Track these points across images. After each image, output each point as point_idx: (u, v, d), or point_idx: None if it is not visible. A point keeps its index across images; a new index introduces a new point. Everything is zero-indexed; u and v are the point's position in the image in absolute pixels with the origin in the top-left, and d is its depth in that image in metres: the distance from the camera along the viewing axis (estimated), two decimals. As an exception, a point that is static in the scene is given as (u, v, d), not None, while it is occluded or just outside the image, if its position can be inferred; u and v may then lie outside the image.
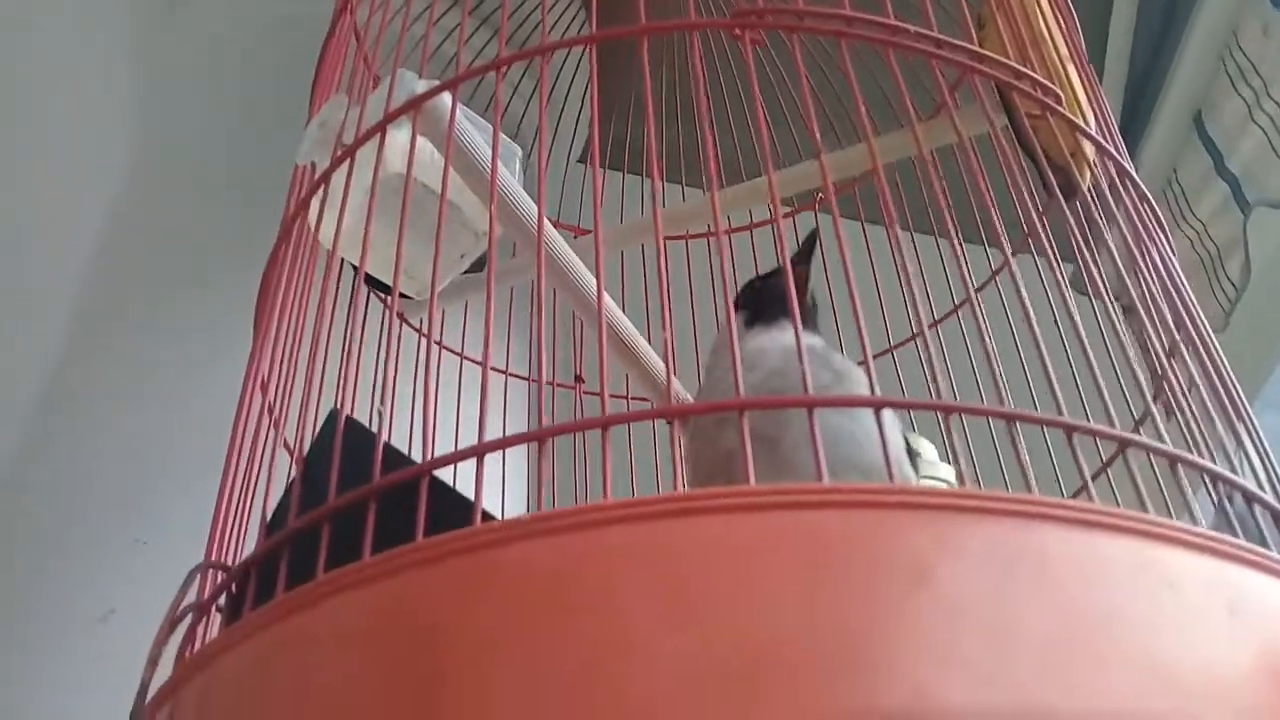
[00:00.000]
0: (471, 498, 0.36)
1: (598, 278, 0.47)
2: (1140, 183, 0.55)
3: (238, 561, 0.42)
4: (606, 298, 0.65)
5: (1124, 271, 0.47)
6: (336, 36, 0.66)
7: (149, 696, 0.40)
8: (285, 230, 0.56)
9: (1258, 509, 0.39)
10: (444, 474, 0.40)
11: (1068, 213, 0.54)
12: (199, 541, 0.48)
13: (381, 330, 0.63)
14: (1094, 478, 0.61)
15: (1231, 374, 0.48)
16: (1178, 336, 0.48)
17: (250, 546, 0.43)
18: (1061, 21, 0.65)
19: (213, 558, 0.46)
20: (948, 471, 0.72)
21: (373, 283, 0.72)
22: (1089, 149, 0.61)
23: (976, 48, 0.50)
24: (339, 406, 0.42)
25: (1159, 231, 0.54)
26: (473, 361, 0.86)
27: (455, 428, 0.73)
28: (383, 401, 0.40)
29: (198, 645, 0.42)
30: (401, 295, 0.71)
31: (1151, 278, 0.48)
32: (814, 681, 0.29)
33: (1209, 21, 1.38)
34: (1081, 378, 0.47)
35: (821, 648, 0.30)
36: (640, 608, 0.31)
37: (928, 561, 0.31)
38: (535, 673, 0.30)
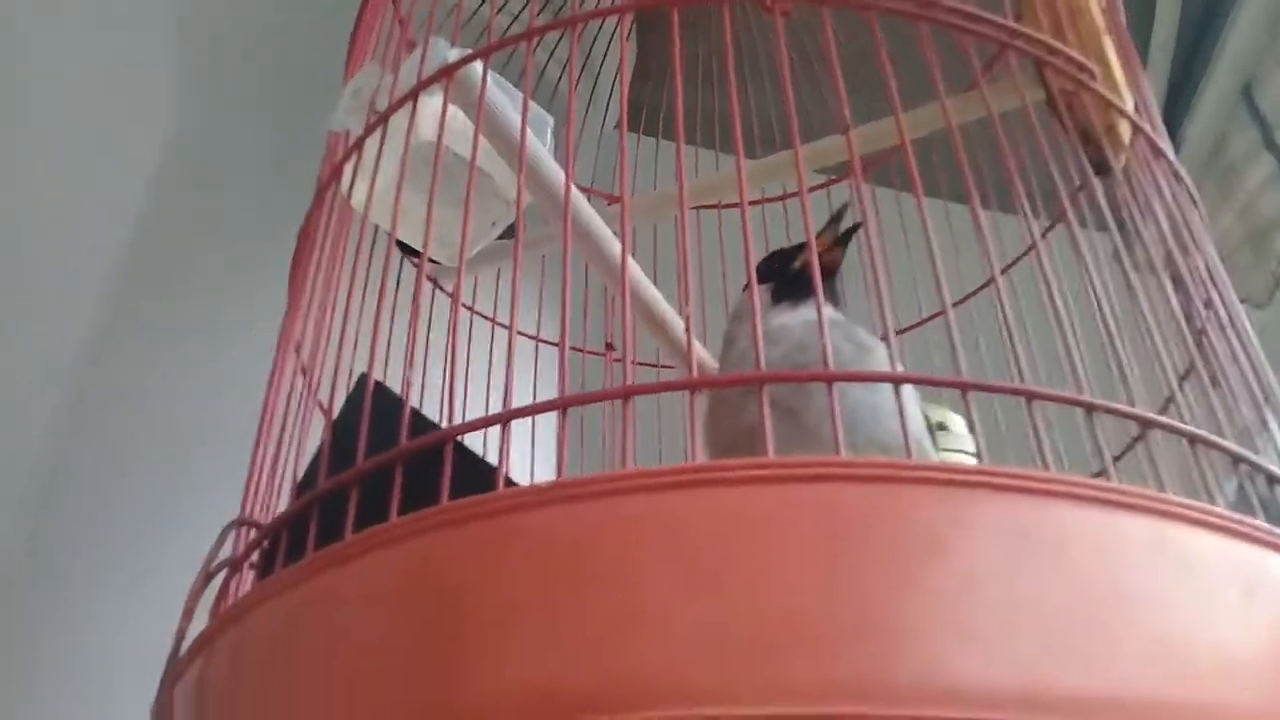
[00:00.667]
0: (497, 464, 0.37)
1: (623, 245, 0.48)
2: (1174, 161, 0.54)
3: (270, 519, 0.43)
4: (635, 267, 0.65)
5: (1174, 251, 0.47)
6: (372, 1, 0.67)
7: (184, 646, 0.41)
8: (319, 196, 0.56)
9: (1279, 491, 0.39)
10: (475, 440, 0.41)
11: (1100, 190, 0.54)
12: (234, 503, 0.49)
13: (412, 295, 0.64)
14: (1117, 459, 0.62)
15: (1260, 354, 0.48)
16: (1208, 316, 0.48)
17: (283, 505, 0.45)
18: (1101, -8, 0.65)
19: (246, 514, 0.47)
20: (975, 445, 0.72)
21: (405, 248, 0.73)
22: (1125, 126, 0.60)
23: (1010, 23, 0.49)
24: (369, 371, 0.43)
25: (1193, 210, 0.53)
26: (502, 326, 0.87)
27: (486, 393, 0.74)
28: (410, 367, 0.41)
29: (231, 599, 0.43)
30: (432, 261, 0.72)
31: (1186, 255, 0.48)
32: (829, 652, 0.30)
33: (1260, -8, 1.35)
34: (1110, 354, 0.47)
35: (837, 619, 0.30)
36: (657, 577, 0.31)
37: (943, 536, 0.31)
38: (553, 637, 0.31)
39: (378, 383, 0.43)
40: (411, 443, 0.38)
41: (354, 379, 0.47)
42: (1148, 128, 0.53)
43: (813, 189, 0.95)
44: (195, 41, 1.05)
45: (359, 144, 0.53)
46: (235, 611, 0.39)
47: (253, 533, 0.44)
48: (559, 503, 0.33)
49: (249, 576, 0.44)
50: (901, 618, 0.30)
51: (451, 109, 0.55)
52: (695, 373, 0.36)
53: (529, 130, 0.59)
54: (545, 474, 0.74)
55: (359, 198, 0.52)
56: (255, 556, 0.43)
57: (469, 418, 0.40)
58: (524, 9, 0.87)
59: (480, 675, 0.31)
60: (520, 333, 0.89)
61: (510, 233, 0.77)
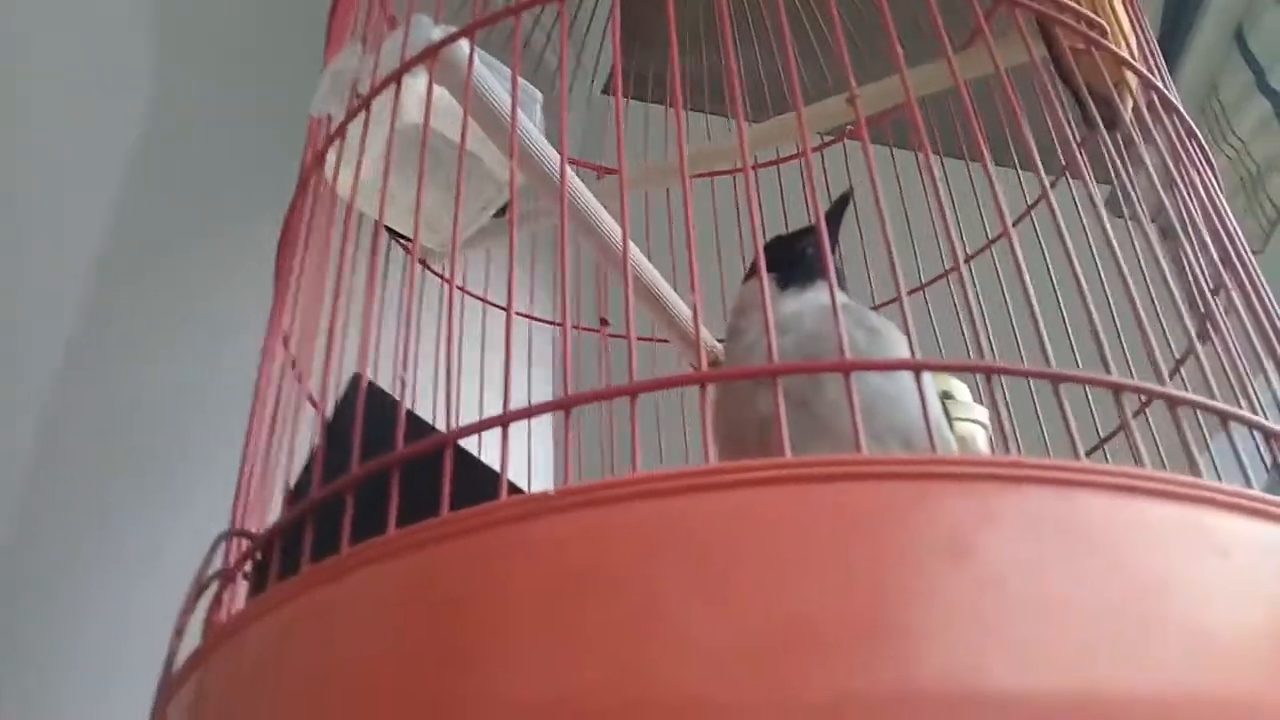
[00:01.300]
0: (496, 465, 0.36)
1: (623, 223, 0.46)
2: (1187, 117, 0.52)
3: (262, 529, 0.42)
4: (632, 246, 0.63)
5: (1165, 201, 0.45)
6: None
7: (177, 661, 0.40)
8: (303, 183, 0.54)
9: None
10: (469, 438, 0.40)
11: (1108, 144, 0.52)
12: (228, 499, 0.47)
13: (402, 283, 0.62)
14: (1109, 437, 0.60)
15: (1281, 315, 0.46)
16: (1225, 276, 0.46)
17: (276, 511, 0.43)
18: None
19: (238, 523, 0.46)
20: (982, 413, 0.71)
21: (395, 233, 0.71)
22: (1133, 78, 0.58)
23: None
24: (361, 371, 0.41)
25: (1205, 166, 0.52)
26: (496, 307, 0.85)
27: (480, 379, 0.72)
28: (404, 367, 0.39)
29: (224, 611, 0.42)
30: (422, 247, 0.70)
31: (1196, 211, 0.46)
32: (850, 660, 0.28)
33: (1252, -66, 1.33)
34: (1121, 314, 0.45)
35: (857, 625, 0.29)
36: (669, 584, 0.30)
37: (968, 534, 0.30)
38: (562, 650, 0.29)
39: (371, 384, 0.41)
40: (408, 448, 0.37)
41: (345, 374, 0.46)
42: (1158, 81, 0.51)
43: (783, 160, 0.93)
44: (172, 23, 1.03)
45: (341, 130, 0.51)
46: (228, 629, 0.37)
47: (244, 543, 0.42)
48: (566, 510, 0.32)
49: (243, 588, 0.42)
50: (928, 622, 0.29)
51: (437, 90, 0.53)
52: (705, 365, 0.35)
53: (520, 110, 0.57)
54: (543, 471, 0.73)
55: (344, 185, 0.50)
56: (249, 567, 0.42)
57: (464, 407, 0.38)
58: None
59: (485, 693, 0.29)
60: (516, 313, 0.87)
61: (500, 212, 0.75)
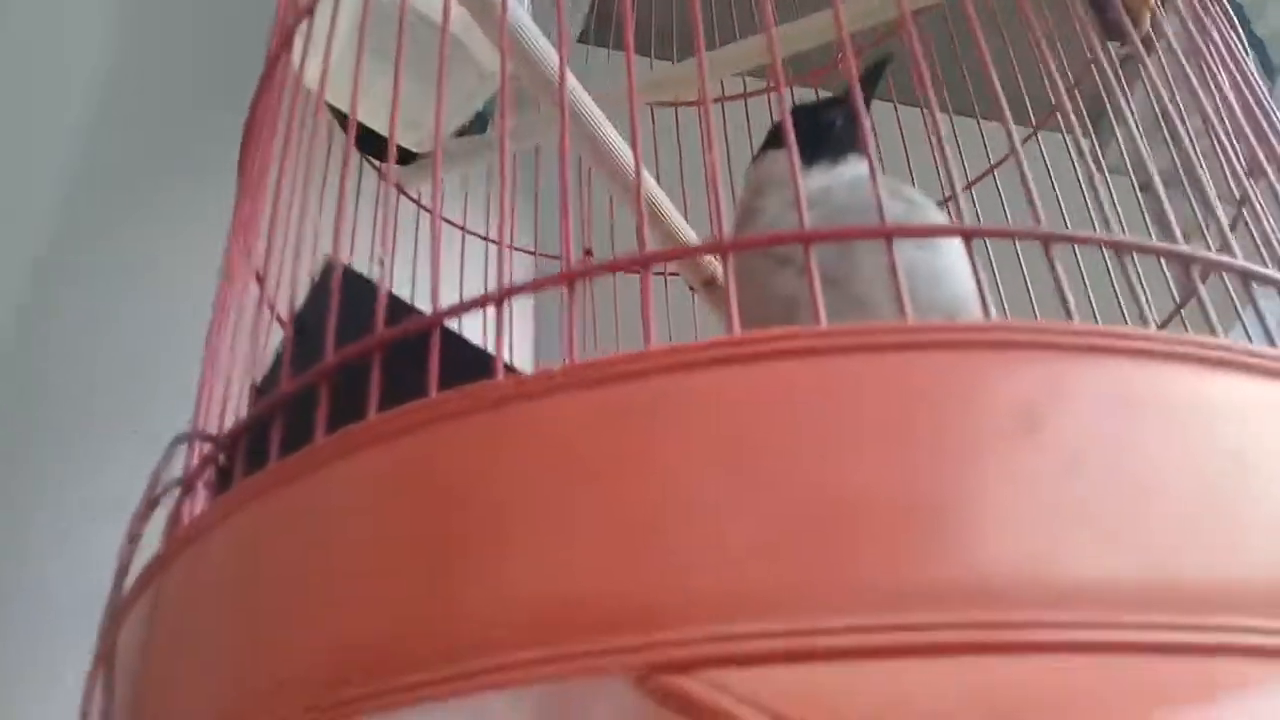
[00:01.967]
0: (489, 352, 0.32)
1: (633, 128, 0.42)
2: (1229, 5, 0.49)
3: (226, 430, 0.37)
4: (625, 151, 0.59)
5: (1198, 95, 0.41)
6: None
7: (129, 580, 0.35)
8: (267, 72, 0.50)
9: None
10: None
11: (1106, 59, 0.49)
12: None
13: (377, 189, 0.58)
14: (1168, 319, 0.57)
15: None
16: (1260, 152, 0.42)
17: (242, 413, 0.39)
18: None
19: (199, 425, 0.41)
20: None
21: (366, 145, 0.66)
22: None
23: None
24: (333, 256, 0.37)
25: (1236, 42, 0.48)
26: (475, 235, 0.80)
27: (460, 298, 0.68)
28: (382, 245, 0.35)
29: (185, 523, 0.37)
30: (401, 150, 0.65)
31: (1226, 87, 0.42)
32: (907, 547, 0.25)
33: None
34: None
35: (916, 507, 0.25)
36: (694, 466, 0.26)
37: (1039, 408, 0.26)
38: (570, 542, 0.25)
39: (346, 267, 0.37)
40: (391, 330, 0.32)
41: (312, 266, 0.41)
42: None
43: (751, 94, 0.89)
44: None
45: (309, 8, 0.47)
46: (189, 533, 0.33)
47: (207, 447, 0.38)
48: (574, 389, 0.28)
49: (205, 497, 0.38)
50: (998, 505, 0.25)
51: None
52: (725, 234, 0.31)
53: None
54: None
55: (312, 73, 0.45)
56: (210, 474, 0.37)
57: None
58: None
59: (483, 590, 0.26)
60: (491, 240, 0.83)
61: (479, 125, 0.70)
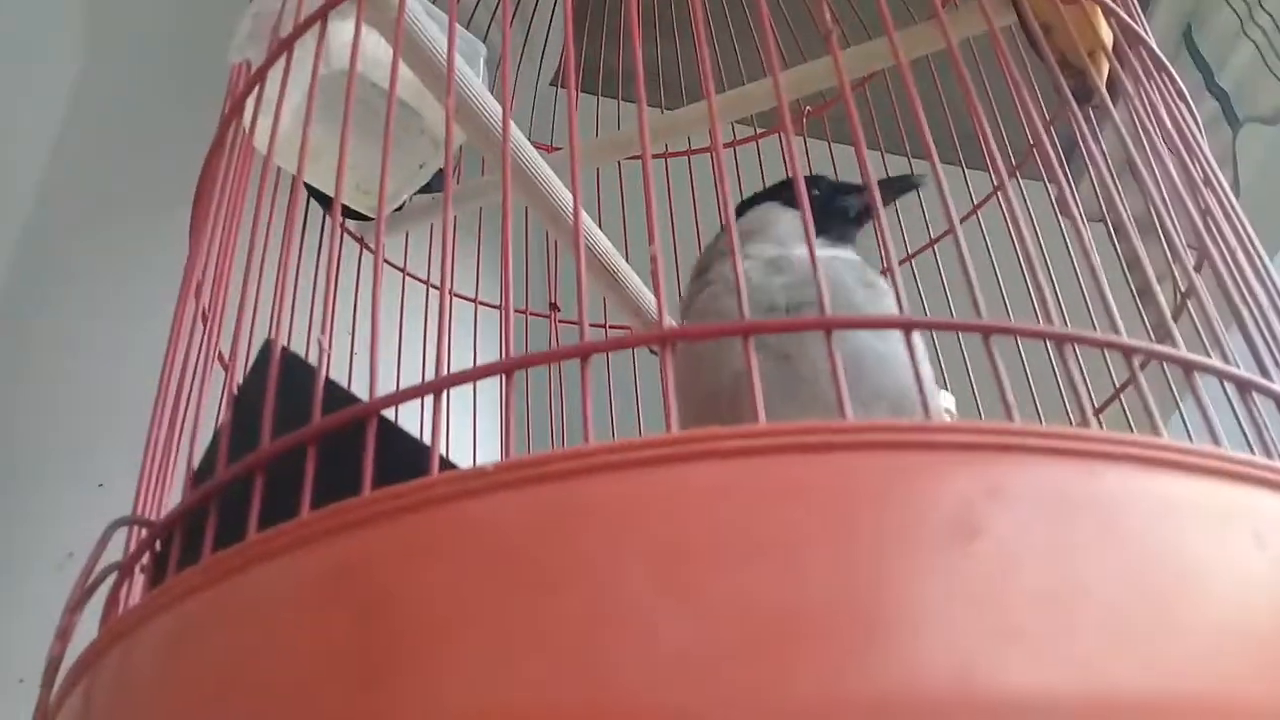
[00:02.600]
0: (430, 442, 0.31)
1: (574, 193, 0.41)
2: (1176, 77, 0.49)
3: (163, 515, 0.36)
4: (584, 215, 0.59)
5: (1136, 157, 0.41)
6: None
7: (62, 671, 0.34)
8: (219, 135, 0.49)
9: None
10: (412, 421, 0.35)
11: (1078, 119, 0.49)
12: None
13: (321, 249, 0.57)
14: (1103, 407, 0.57)
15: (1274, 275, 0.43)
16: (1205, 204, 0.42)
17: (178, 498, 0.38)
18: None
19: (140, 509, 0.40)
20: (948, 399, 0.68)
21: (324, 198, 0.66)
22: (1107, 37, 0.55)
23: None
24: (274, 338, 0.36)
25: (1198, 132, 0.48)
26: (436, 288, 0.80)
27: (422, 368, 0.67)
28: (323, 330, 0.34)
29: (120, 612, 0.36)
30: (355, 215, 0.65)
31: (1173, 166, 0.42)
32: (840, 658, 0.24)
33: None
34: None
35: (851, 617, 0.25)
36: (632, 572, 0.25)
37: (976, 512, 0.26)
38: (505, 652, 0.25)
39: (285, 350, 0.36)
40: (326, 419, 0.32)
41: (261, 338, 0.41)
42: (1145, 35, 0.48)
43: (741, 141, 0.90)
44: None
45: (260, 75, 0.46)
46: (120, 628, 0.32)
47: (144, 532, 0.37)
48: (507, 488, 0.27)
49: (143, 584, 0.37)
50: (932, 614, 0.25)
51: (368, 32, 0.48)
52: (666, 322, 0.30)
53: (459, 59, 0.52)
54: (490, 455, 0.68)
55: (261, 137, 0.45)
56: (147, 560, 0.37)
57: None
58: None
59: (414, 705, 0.25)
60: (457, 295, 0.82)
61: (441, 183, 0.70)
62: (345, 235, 0.72)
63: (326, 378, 0.33)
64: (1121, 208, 0.36)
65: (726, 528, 0.26)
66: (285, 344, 0.36)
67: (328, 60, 0.45)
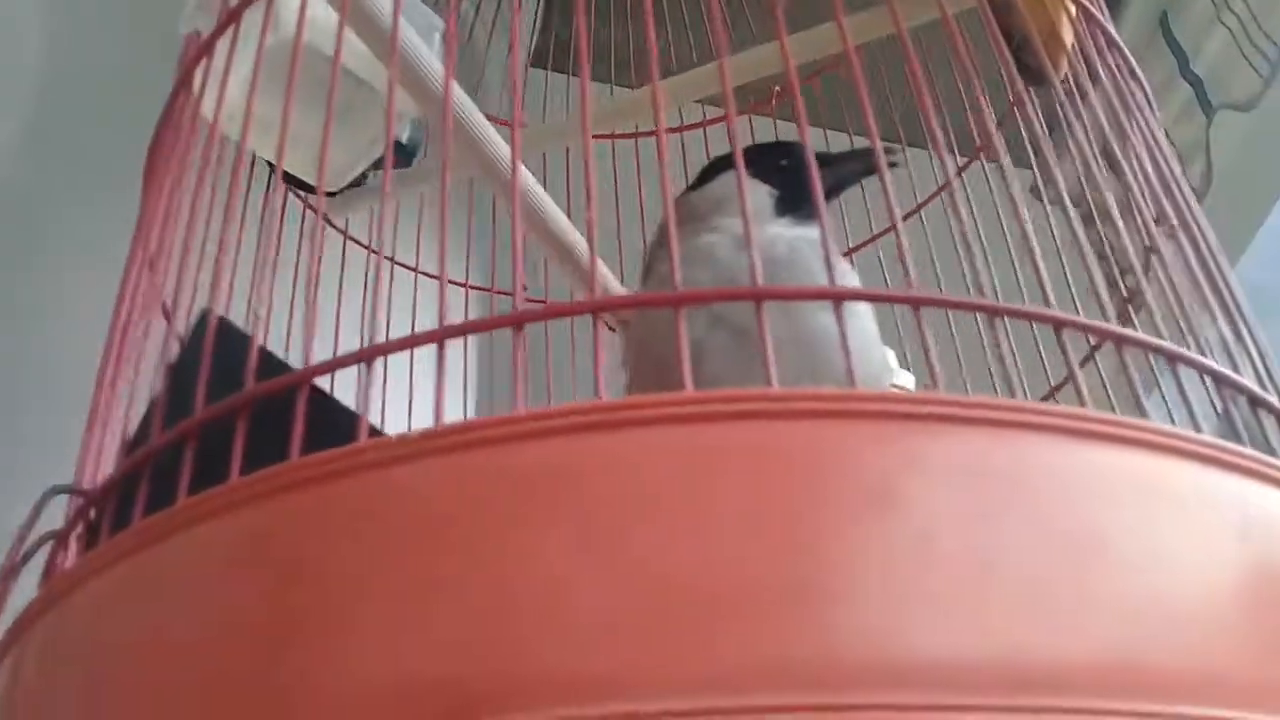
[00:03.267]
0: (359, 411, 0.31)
1: (514, 158, 0.41)
2: (1129, 55, 0.49)
3: (97, 483, 0.36)
4: (538, 190, 0.59)
5: (1114, 150, 0.41)
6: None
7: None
8: (169, 108, 0.49)
9: (1263, 414, 0.35)
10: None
11: (1031, 105, 0.49)
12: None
13: (290, 228, 0.57)
14: (1058, 386, 0.57)
15: (1227, 266, 0.43)
16: (1159, 230, 0.43)
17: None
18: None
19: (83, 477, 0.40)
20: (908, 379, 0.68)
21: (295, 180, 0.66)
22: (1067, 34, 0.55)
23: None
24: (211, 307, 0.36)
25: (1148, 109, 0.48)
26: (404, 266, 0.80)
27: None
28: (259, 300, 0.34)
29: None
30: (309, 188, 0.64)
31: (1144, 159, 0.42)
32: (760, 624, 0.24)
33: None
34: (1053, 279, 0.42)
35: (767, 585, 0.25)
36: (549, 543, 0.25)
37: (895, 481, 0.26)
38: (420, 621, 0.25)
39: (222, 319, 0.36)
40: (258, 387, 0.32)
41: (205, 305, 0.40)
42: (1099, 14, 0.48)
43: (709, 122, 0.90)
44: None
45: (209, 45, 0.46)
46: (49, 595, 0.32)
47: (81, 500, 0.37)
48: (433, 454, 0.27)
49: (77, 552, 0.37)
50: (846, 582, 0.25)
51: (320, 4, 0.48)
52: (599, 291, 0.30)
53: (414, 33, 0.52)
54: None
55: (208, 108, 0.44)
56: (82, 528, 0.36)
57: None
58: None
59: (327, 669, 0.25)
60: (424, 273, 0.82)
61: (404, 159, 0.70)
62: (307, 212, 0.72)
63: (262, 347, 0.33)
64: (1060, 182, 0.36)
65: (648, 495, 0.26)
66: (225, 314, 0.36)
67: (276, 30, 0.44)
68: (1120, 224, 0.41)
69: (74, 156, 0.86)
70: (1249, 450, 0.29)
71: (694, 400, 0.27)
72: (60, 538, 0.37)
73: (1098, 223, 0.55)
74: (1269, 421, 0.34)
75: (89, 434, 0.41)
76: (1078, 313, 0.42)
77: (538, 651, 0.25)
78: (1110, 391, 0.44)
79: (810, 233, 0.50)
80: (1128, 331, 0.31)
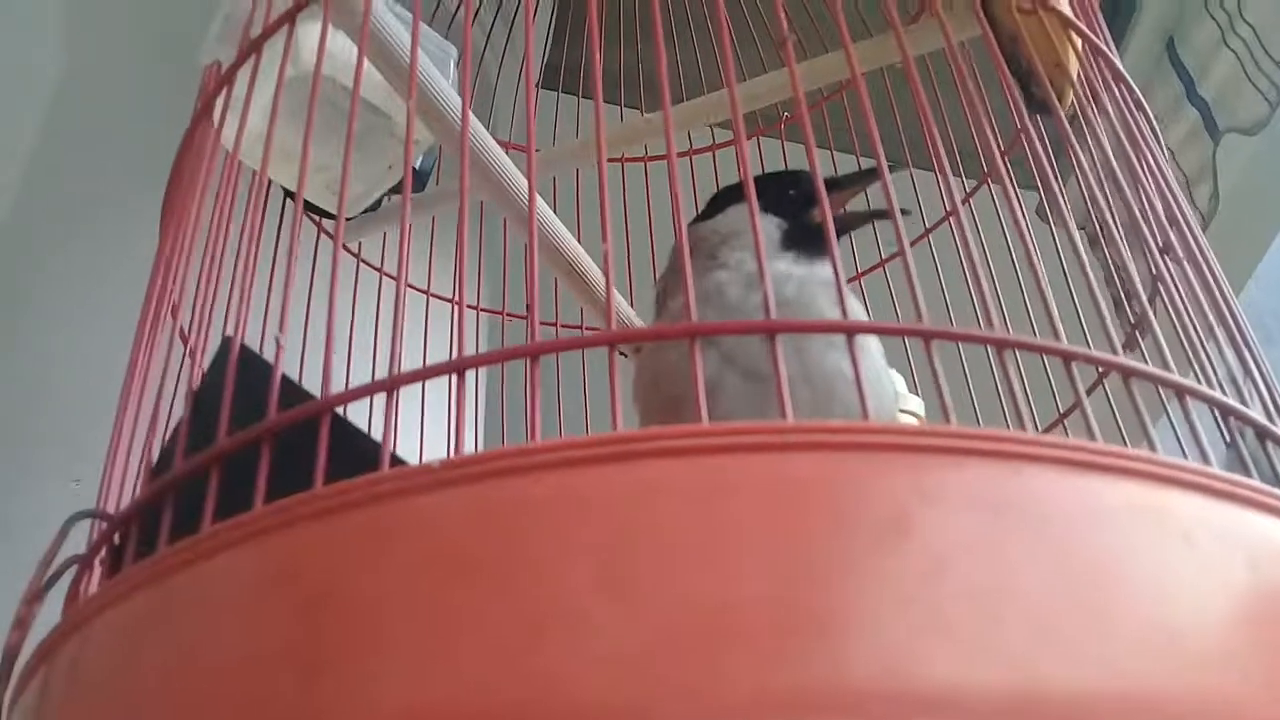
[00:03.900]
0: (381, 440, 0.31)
1: (530, 189, 0.42)
2: (1135, 87, 0.50)
3: (121, 509, 0.37)
4: (553, 219, 0.59)
5: (1121, 181, 0.42)
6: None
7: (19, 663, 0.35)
8: (189, 136, 0.50)
9: (1271, 446, 0.35)
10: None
11: (1037, 134, 0.50)
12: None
13: (304, 252, 0.57)
14: (1066, 413, 0.57)
15: (1233, 297, 0.44)
16: (1165, 260, 0.43)
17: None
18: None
19: (107, 503, 0.41)
20: (917, 404, 0.68)
21: (314, 209, 0.66)
22: (1073, 66, 0.56)
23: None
24: (231, 334, 0.37)
25: (1154, 141, 0.49)
26: (418, 290, 0.80)
27: (371, 361, 0.67)
28: (281, 328, 0.35)
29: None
30: (327, 214, 0.65)
31: (1151, 190, 0.43)
32: (773, 655, 0.25)
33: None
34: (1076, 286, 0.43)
35: (784, 615, 0.25)
36: (571, 570, 0.26)
37: (908, 512, 0.26)
38: (443, 650, 0.25)
39: (245, 347, 0.36)
40: (281, 416, 0.32)
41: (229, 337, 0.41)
42: (1103, 45, 0.49)
43: (719, 146, 0.90)
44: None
45: (229, 75, 0.47)
46: (75, 620, 0.32)
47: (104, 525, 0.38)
48: (451, 485, 0.28)
49: (102, 576, 0.38)
50: (861, 610, 0.25)
51: (338, 35, 0.48)
52: (614, 324, 0.31)
53: (430, 61, 0.53)
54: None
55: (228, 137, 0.45)
56: (105, 553, 0.37)
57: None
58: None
59: (352, 697, 0.25)
60: (435, 295, 0.82)
61: (418, 184, 0.70)
62: (321, 237, 0.73)
63: (284, 375, 0.34)
64: (1066, 212, 0.37)
65: (664, 526, 0.26)
66: (244, 340, 0.37)
67: (296, 62, 0.45)
68: (1125, 248, 0.42)
69: (93, 181, 0.87)
70: (1257, 483, 0.30)
71: (711, 432, 0.28)
72: (84, 562, 0.37)
73: (1103, 245, 0.56)
74: (1276, 453, 0.35)
75: (112, 458, 0.42)
76: (1085, 336, 0.43)
77: (558, 681, 0.25)
78: (1118, 416, 0.45)
79: (819, 270, 0.50)
80: (1136, 364, 0.32)
